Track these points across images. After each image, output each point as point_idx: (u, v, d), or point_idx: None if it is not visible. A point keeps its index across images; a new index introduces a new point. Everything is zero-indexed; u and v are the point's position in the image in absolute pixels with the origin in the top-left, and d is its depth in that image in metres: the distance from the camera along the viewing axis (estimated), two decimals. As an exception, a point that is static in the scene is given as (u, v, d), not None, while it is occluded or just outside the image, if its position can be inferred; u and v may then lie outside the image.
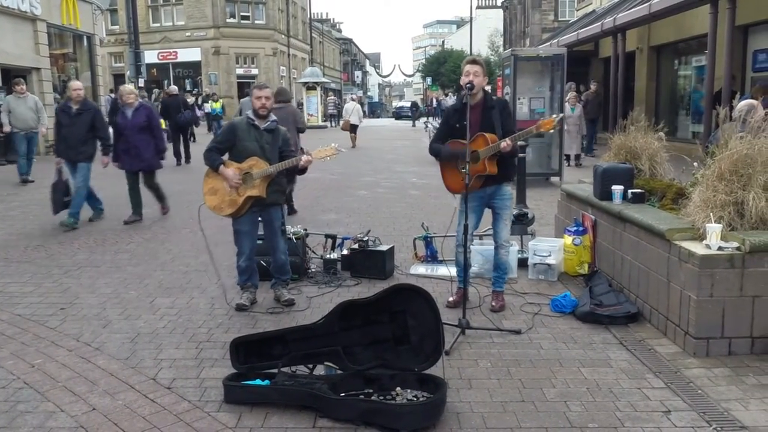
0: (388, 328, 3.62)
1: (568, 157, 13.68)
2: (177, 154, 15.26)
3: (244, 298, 5.08)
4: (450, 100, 29.67)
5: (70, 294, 5.37)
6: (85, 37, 20.76)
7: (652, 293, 4.58)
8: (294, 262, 5.65)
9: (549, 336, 4.45)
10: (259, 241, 5.36)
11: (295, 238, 5.90)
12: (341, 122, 25.38)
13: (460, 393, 3.58)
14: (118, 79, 37.96)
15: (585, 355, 4.11)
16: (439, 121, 5.33)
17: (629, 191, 5.29)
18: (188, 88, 34.64)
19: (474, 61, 4.82)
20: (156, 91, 28.05)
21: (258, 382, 3.52)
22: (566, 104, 13.13)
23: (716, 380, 3.72)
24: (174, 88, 18.81)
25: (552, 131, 5.00)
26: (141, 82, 26.42)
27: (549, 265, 5.78)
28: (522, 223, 6.31)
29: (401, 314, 3.61)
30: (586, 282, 5.46)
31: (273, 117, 5.15)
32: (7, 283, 5.67)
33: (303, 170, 5.10)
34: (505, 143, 4.62)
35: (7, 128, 12.00)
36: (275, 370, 3.57)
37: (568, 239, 5.86)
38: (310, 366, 3.66)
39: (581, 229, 5.86)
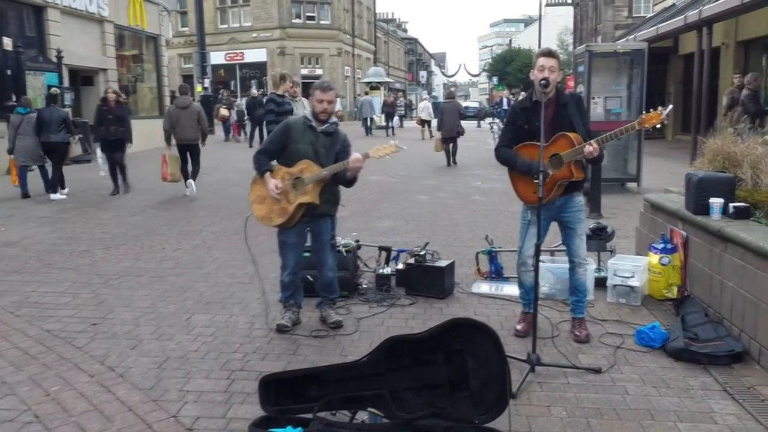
0: (444, 370, 3.04)
1: None
2: (251, 138, 20.87)
3: (286, 319, 4.59)
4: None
5: (104, 307, 5.03)
6: (152, 38, 20.98)
7: (762, 329, 3.83)
8: (343, 278, 5.14)
9: (635, 377, 3.76)
10: (306, 254, 4.88)
11: (346, 251, 5.39)
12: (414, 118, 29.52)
13: (529, 452, 2.98)
14: (187, 80, 38.66)
15: (681, 405, 3.42)
16: (504, 122, 4.64)
17: (730, 205, 4.55)
18: (253, 88, 34.89)
19: (550, 54, 4.14)
20: (222, 91, 28.43)
21: (289, 429, 3.00)
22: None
23: None
24: (253, 92, 23.48)
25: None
26: (207, 83, 26.79)
27: (631, 287, 5.06)
28: (600, 238, 5.59)
29: (459, 354, 3.02)
30: (676, 309, 4.74)
31: (333, 119, 4.64)
32: (45, 293, 5.39)
33: (352, 180, 4.55)
34: (591, 147, 3.91)
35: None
36: (310, 415, 3.06)
37: (654, 258, 5.13)
38: (352, 412, 3.13)
39: (670, 246, 5.11)
